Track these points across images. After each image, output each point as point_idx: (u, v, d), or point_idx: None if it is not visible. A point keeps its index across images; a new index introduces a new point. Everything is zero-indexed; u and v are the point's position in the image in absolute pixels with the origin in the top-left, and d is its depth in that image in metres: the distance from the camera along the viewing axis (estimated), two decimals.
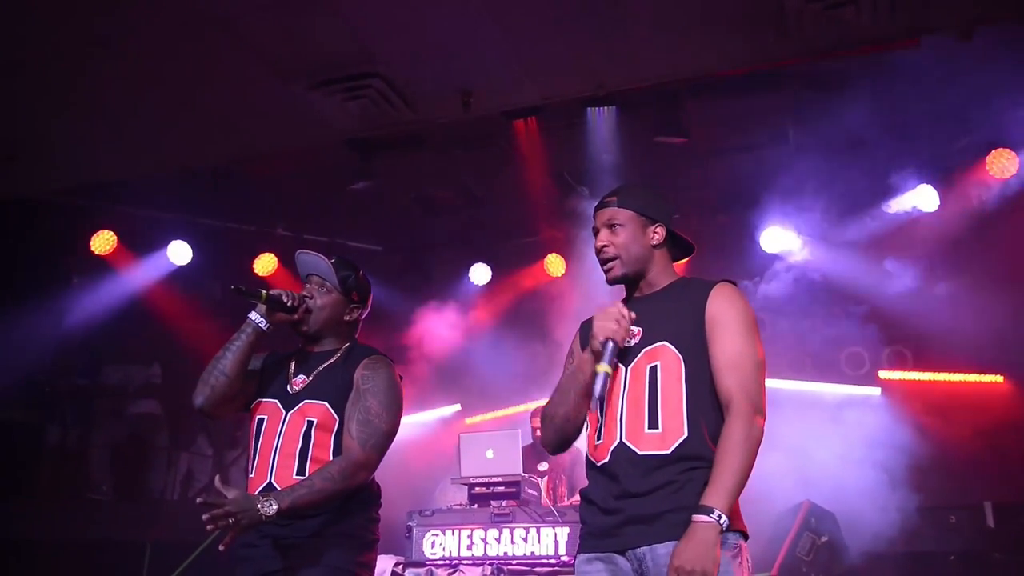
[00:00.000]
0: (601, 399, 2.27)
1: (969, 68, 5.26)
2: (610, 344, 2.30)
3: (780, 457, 5.96)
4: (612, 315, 2.33)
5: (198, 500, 2.45)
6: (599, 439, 2.38)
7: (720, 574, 2.13)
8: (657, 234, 2.50)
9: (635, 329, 2.40)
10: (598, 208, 2.54)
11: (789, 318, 6.72)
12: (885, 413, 7.03)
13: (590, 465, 2.42)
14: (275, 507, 2.48)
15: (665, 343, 2.36)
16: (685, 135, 6.10)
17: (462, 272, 8.02)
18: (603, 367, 2.27)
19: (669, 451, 2.26)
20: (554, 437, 2.50)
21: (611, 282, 2.52)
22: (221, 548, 2.49)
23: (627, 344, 2.37)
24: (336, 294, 2.93)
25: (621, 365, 2.38)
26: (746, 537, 2.29)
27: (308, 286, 2.92)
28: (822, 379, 7.29)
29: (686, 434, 2.27)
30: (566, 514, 4.64)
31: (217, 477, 2.59)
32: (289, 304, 2.81)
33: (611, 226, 2.48)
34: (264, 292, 2.78)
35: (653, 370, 2.34)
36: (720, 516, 2.14)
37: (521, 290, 7.86)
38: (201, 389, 2.81)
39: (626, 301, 2.52)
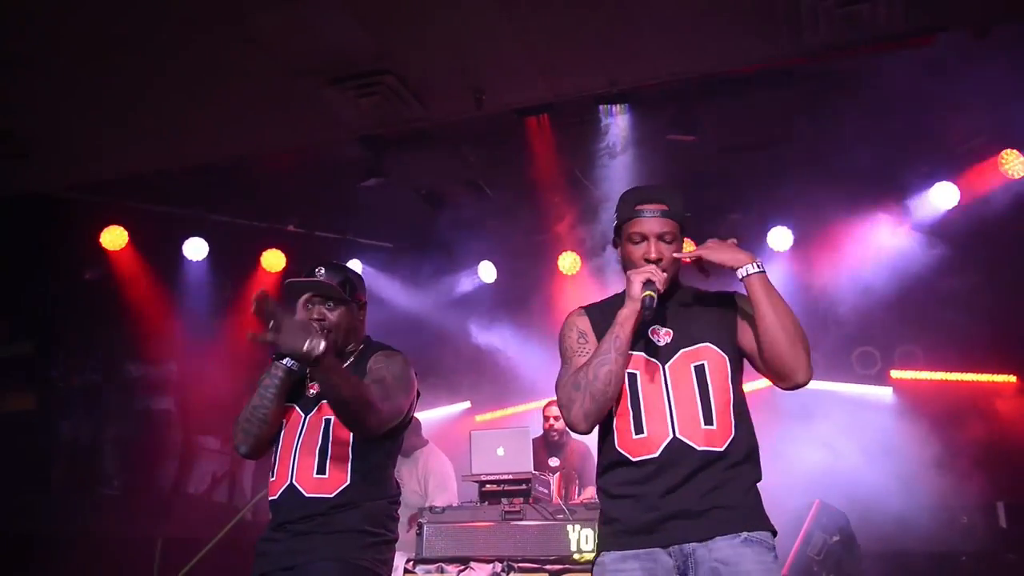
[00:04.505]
0: (648, 309, 2.32)
1: (984, 66, 5.22)
2: (648, 282, 2.35)
3: (792, 456, 5.96)
4: (645, 270, 2.38)
5: (256, 294, 2.39)
6: (640, 432, 2.35)
7: (766, 572, 2.21)
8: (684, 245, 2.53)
9: (663, 330, 2.45)
10: (643, 212, 2.43)
11: (800, 317, 6.69)
12: (897, 413, 7.02)
13: (623, 461, 2.36)
14: (322, 347, 2.42)
15: (709, 344, 2.42)
16: (697, 133, 6.08)
17: (472, 269, 8.02)
18: (650, 291, 2.33)
19: (723, 448, 2.31)
20: (596, 412, 2.36)
21: (653, 294, 2.38)
22: (249, 336, 2.42)
23: (659, 343, 2.44)
24: (343, 305, 2.92)
25: (656, 361, 2.41)
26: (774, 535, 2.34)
27: (313, 308, 2.87)
28: (834, 379, 7.27)
29: (734, 433, 2.34)
30: (576, 512, 4.64)
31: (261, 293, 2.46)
32: None
33: (664, 239, 2.43)
34: None
35: (700, 368, 2.38)
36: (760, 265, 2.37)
37: (531, 287, 7.86)
38: (244, 439, 2.82)
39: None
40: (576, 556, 4.45)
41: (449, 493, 5.62)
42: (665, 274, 2.40)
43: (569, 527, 4.56)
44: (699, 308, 2.49)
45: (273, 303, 2.39)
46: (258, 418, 2.80)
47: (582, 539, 4.52)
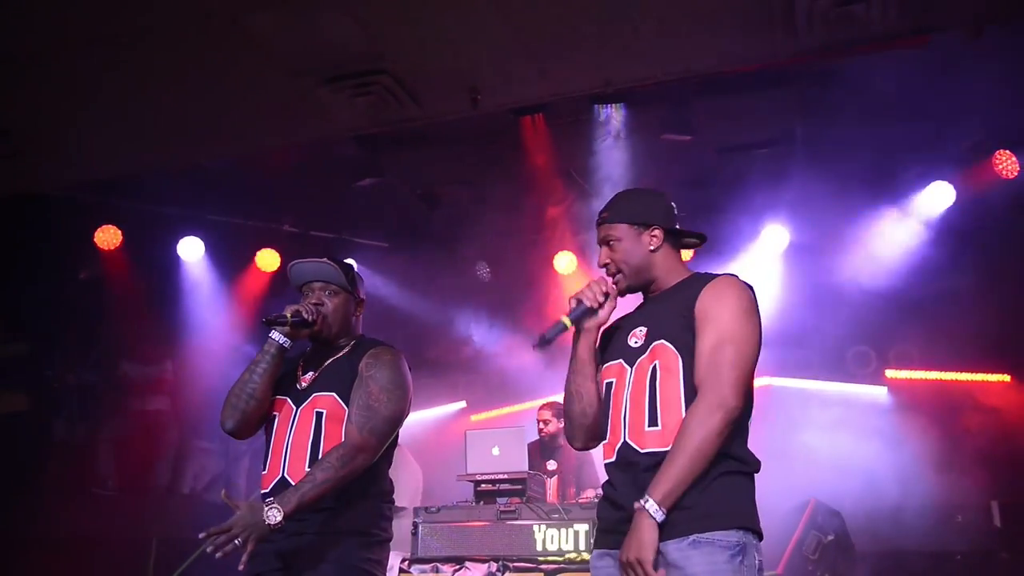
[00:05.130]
0: (545, 341, 2.39)
1: (979, 67, 5.23)
2: (576, 303, 2.45)
3: (787, 456, 5.97)
4: (590, 283, 2.48)
5: (200, 535, 2.43)
6: (606, 437, 2.44)
7: (715, 573, 2.13)
8: (655, 238, 2.50)
9: (641, 331, 2.43)
10: (597, 224, 2.58)
11: (796, 317, 6.71)
12: (892, 412, 7.04)
13: (605, 463, 2.45)
14: (280, 514, 2.48)
15: (663, 341, 2.37)
16: (692, 132, 6.08)
17: (468, 269, 8.02)
18: (564, 319, 2.43)
19: (669, 448, 2.22)
20: (574, 431, 2.54)
21: (620, 295, 2.54)
22: (241, 568, 2.48)
23: (634, 345, 2.44)
24: (344, 293, 2.95)
25: (627, 365, 2.42)
26: (758, 536, 2.26)
27: (312, 293, 2.93)
28: (829, 378, 7.29)
29: None
30: (571, 511, 4.64)
31: (224, 492, 2.58)
32: (310, 319, 2.84)
33: (608, 243, 2.52)
34: (288, 316, 2.81)
35: (653, 369, 2.35)
36: (648, 501, 2.13)
37: (527, 286, 7.86)
38: (231, 414, 2.83)
39: (643, 305, 2.58)
40: (570, 556, 4.46)
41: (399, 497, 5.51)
42: (618, 275, 2.50)
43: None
44: (669, 301, 2.45)
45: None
46: (246, 393, 2.81)
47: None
